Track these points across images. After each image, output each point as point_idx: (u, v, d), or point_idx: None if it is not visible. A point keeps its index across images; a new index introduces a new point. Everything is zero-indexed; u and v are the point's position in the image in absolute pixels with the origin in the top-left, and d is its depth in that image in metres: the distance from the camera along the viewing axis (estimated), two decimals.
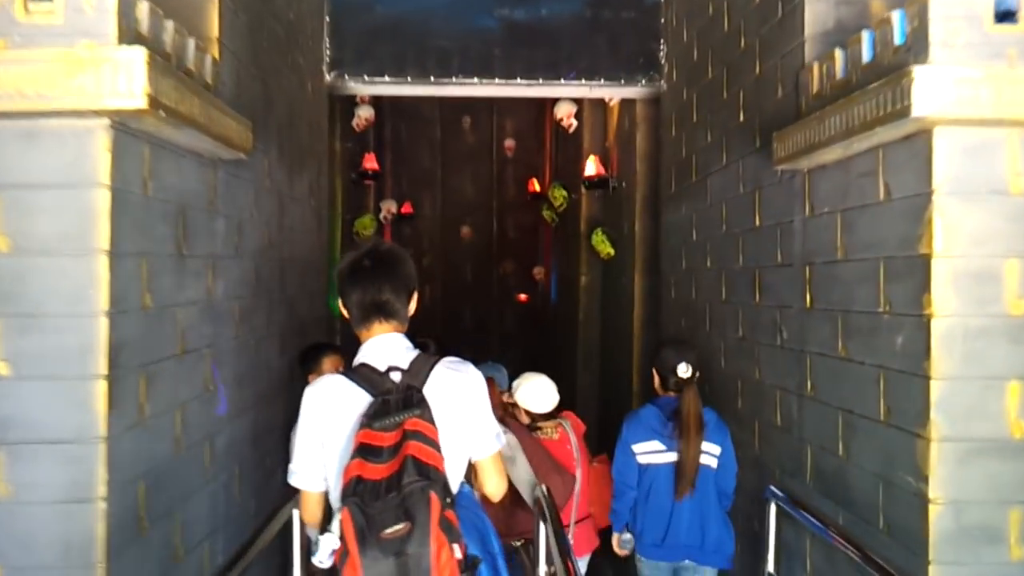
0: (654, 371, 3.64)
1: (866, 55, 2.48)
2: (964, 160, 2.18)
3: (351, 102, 7.83)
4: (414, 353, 2.13)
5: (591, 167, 6.76)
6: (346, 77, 5.00)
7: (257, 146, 3.45)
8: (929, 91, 2.07)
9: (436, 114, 13.27)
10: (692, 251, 4.48)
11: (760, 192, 3.43)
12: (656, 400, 3.61)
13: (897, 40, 2.30)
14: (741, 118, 3.68)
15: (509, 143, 12.94)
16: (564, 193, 8.25)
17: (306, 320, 4.52)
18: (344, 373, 2.08)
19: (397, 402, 1.92)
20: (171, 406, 2.51)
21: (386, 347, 2.12)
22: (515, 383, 3.77)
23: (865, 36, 2.48)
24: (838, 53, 2.67)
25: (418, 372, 2.05)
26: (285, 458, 3.40)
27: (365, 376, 2.03)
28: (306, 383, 3.20)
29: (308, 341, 4.29)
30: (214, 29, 2.94)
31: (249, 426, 3.34)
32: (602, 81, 5.07)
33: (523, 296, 13.04)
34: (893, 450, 2.35)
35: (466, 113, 13.37)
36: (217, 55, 2.92)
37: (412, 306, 2.20)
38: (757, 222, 3.46)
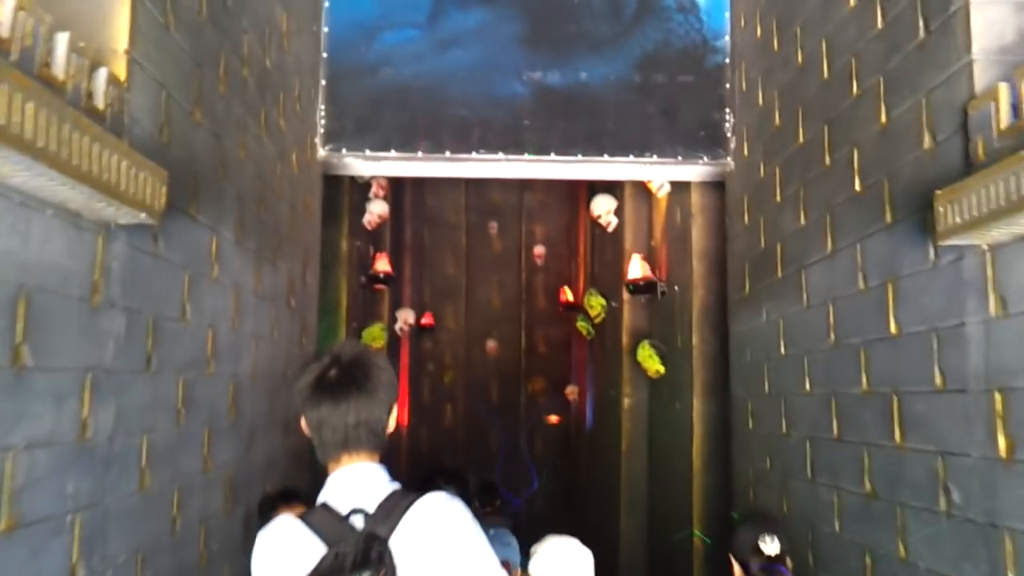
0: (730, 560, 2.49)
1: None
2: None
3: (362, 194, 7.01)
4: (390, 488, 1.67)
5: (636, 269, 5.78)
6: (344, 152, 4.13)
7: (197, 216, 2.51)
8: None
9: (461, 219, 12.52)
10: (780, 369, 3.43)
11: (897, 285, 2.41)
12: None
13: None
14: (857, 187, 2.70)
15: (539, 250, 12.09)
16: (602, 301, 7.25)
17: (276, 457, 3.48)
18: (302, 516, 1.65)
19: (352, 557, 1.54)
20: None
21: (354, 482, 1.67)
22: (534, 553, 2.60)
23: None
24: None
25: (387, 516, 1.62)
26: None
27: (322, 521, 1.63)
28: None
29: (280, 485, 3.28)
30: (120, 39, 2.05)
31: None
32: (654, 158, 4.16)
33: (554, 418, 11.89)
34: None
35: (493, 218, 12.61)
36: (122, 76, 2.02)
37: (392, 424, 1.74)
38: (892, 328, 2.43)
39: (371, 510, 1.61)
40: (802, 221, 3.20)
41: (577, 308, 9.86)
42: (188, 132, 2.46)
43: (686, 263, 5.18)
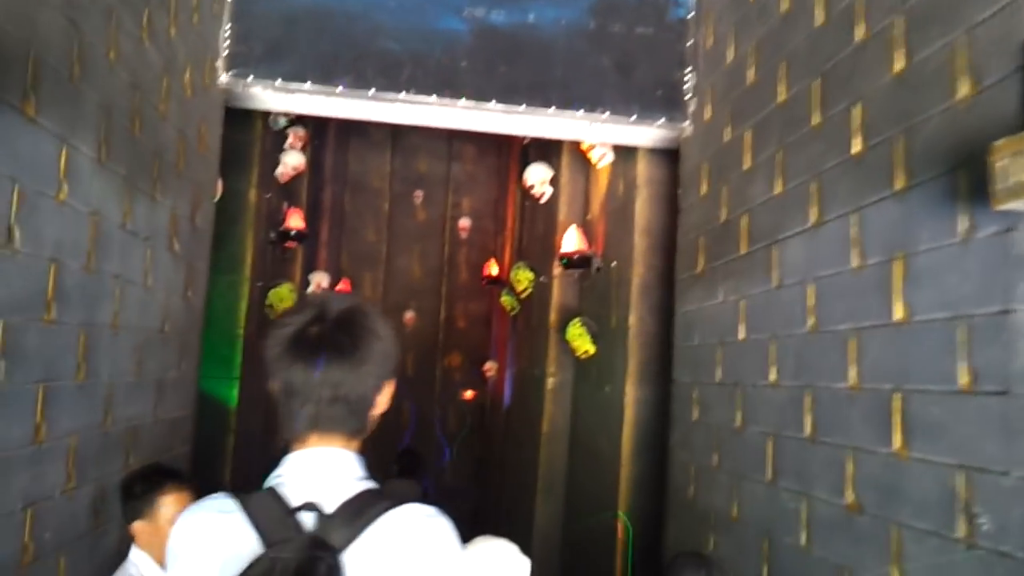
0: None
1: None
2: None
3: (276, 144, 6.37)
4: (361, 486, 1.31)
5: (571, 241, 5.33)
6: (250, 80, 3.54)
7: (36, 117, 1.93)
8: None
9: (385, 185, 11.90)
10: (737, 356, 3.03)
11: (908, 263, 2.00)
12: None
13: None
14: (856, 148, 2.29)
15: (464, 223, 11.58)
16: (530, 275, 6.80)
17: (144, 426, 2.91)
18: (240, 500, 1.27)
19: (293, 568, 1.16)
20: None
21: (316, 469, 1.31)
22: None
23: None
24: None
25: (348, 521, 1.24)
26: None
27: (264, 511, 1.25)
28: (124, 536, 2.25)
29: (148, 462, 2.74)
30: None
31: None
32: (606, 115, 3.69)
33: (470, 393, 11.45)
34: None
35: (419, 187, 12.04)
36: None
37: (381, 405, 1.40)
38: (898, 313, 2.02)
39: (329, 509, 1.27)
40: (777, 189, 2.79)
41: (501, 282, 9.42)
42: (26, 3, 1.87)
43: (626, 238, 4.77)
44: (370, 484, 1.33)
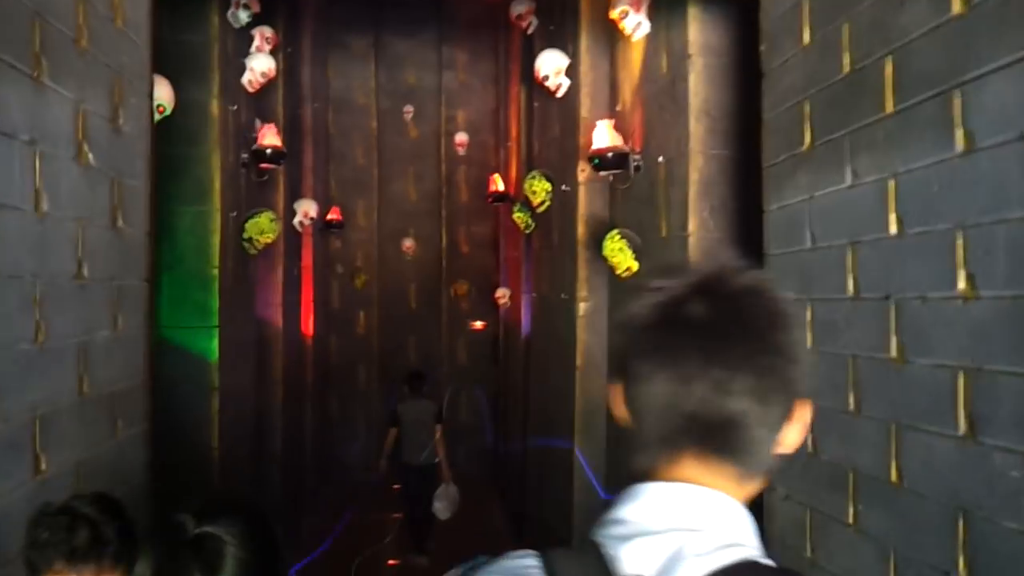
0: None
1: None
2: None
3: (240, 46, 5.39)
4: (737, 556, 0.85)
5: (602, 137, 4.40)
6: None
7: None
8: None
9: (372, 102, 10.90)
10: (889, 258, 2.16)
11: None
12: None
13: None
14: None
15: (461, 138, 10.60)
16: (547, 186, 5.87)
17: (63, 413, 2.06)
18: (548, 556, 0.92)
19: None
20: None
21: (670, 515, 0.89)
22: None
23: None
24: None
25: None
26: None
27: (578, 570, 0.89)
28: None
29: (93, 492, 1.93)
30: None
31: None
32: None
33: (479, 324, 10.66)
34: None
35: (408, 101, 11.01)
36: None
37: (792, 437, 0.95)
38: None
39: None
40: (956, 8, 1.87)
41: (509, 198, 8.50)
42: None
43: (676, 126, 3.87)
44: (752, 553, 0.86)
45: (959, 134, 1.86)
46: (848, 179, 2.35)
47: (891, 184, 2.14)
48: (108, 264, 2.36)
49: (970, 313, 1.82)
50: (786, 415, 0.92)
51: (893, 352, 2.12)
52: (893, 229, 2.13)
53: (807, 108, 2.60)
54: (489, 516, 8.95)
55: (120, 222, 2.47)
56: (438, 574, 1.10)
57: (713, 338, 0.89)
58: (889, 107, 2.14)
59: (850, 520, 2.31)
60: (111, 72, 2.39)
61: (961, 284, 1.85)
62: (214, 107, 4.81)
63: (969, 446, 1.83)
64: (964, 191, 1.84)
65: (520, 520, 7.74)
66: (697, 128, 3.67)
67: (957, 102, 1.87)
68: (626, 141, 4.51)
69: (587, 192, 5.24)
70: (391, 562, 7.54)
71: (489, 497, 9.58)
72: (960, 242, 1.86)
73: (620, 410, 0.97)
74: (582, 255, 5.23)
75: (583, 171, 5.18)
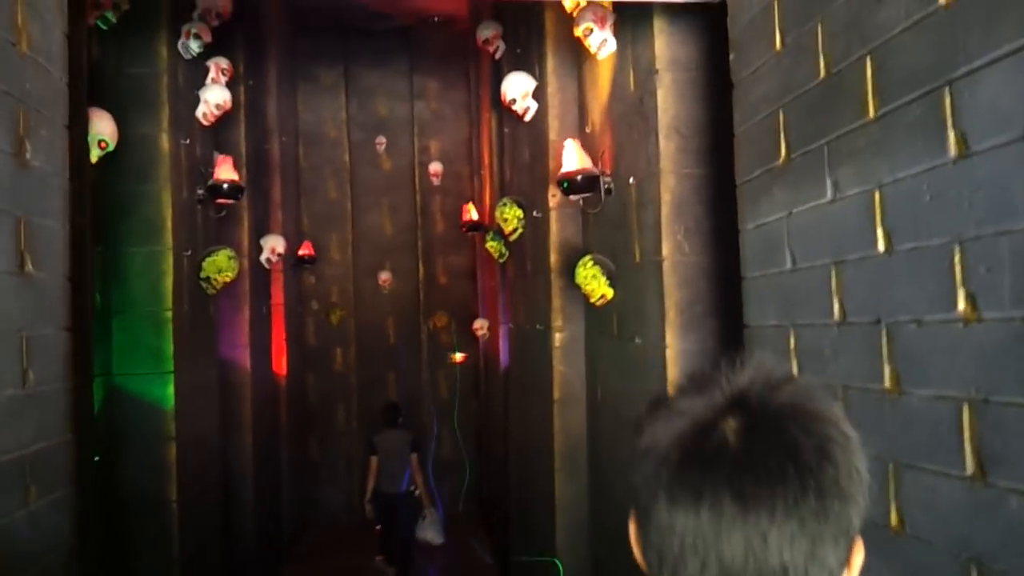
0: None
1: None
2: None
3: (192, 78, 5.18)
4: None
5: (571, 158, 4.21)
6: None
7: None
8: None
9: (343, 134, 10.70)
10: (877, 278, 1.95)
11: None
12: None
13: None
14: None
15: (435, 168, 10.42)
16: (519, 212, 5.67)
17: None
18: None
19: None
20: None
21: None
22: None
23: None
24: None
25: None
26: None
27: None
28: None
29: None
30: None
31: None
32: None
33: (459, 356, 10.40)
34: None
35: (380, 132, 10.83)
36: None
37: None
38: None
39: None
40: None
41: (483, 227, 8.30)
42: None
43: (646, 144, 3.67)
44: None
45: (951, 137, 1.66)
46: (829, 193, 2.14)
47: (876, 196, 1.93)
48: (13, 314, 2.12)
49: (973, 337, 1.61)
50: (843, 563, 0.77)
51: (887, 382, 1.90)
52: (881, 246, 1.92)
53: (781, 118, 2.40)
54: (473, 554, 8.66)
55: (29, 266, 2.23)
56: None
57: (750, 477, 0.74)
58: (871, 112, 1.94)
59: None
60: (13, 101, 2.17)
61: (961, 305, 1.64)
62: (164, 141, 4.58)
63: (979, 488, 1.61)
64: (960, 201, 1.63)
65: (504, 555, 7.46)
66: (667, 146, 3.48)
67: (947, 102, 1.67)
68: (596, 163, 4.32)
69: (559, 218, 5.03)
70: None
71: (475, 534, 9.28)
72: (958, 258, 1.65)
73: (638, 554, 0.85)
74: (556, 283, 5.02)
75: (554, 196, 4.98)
